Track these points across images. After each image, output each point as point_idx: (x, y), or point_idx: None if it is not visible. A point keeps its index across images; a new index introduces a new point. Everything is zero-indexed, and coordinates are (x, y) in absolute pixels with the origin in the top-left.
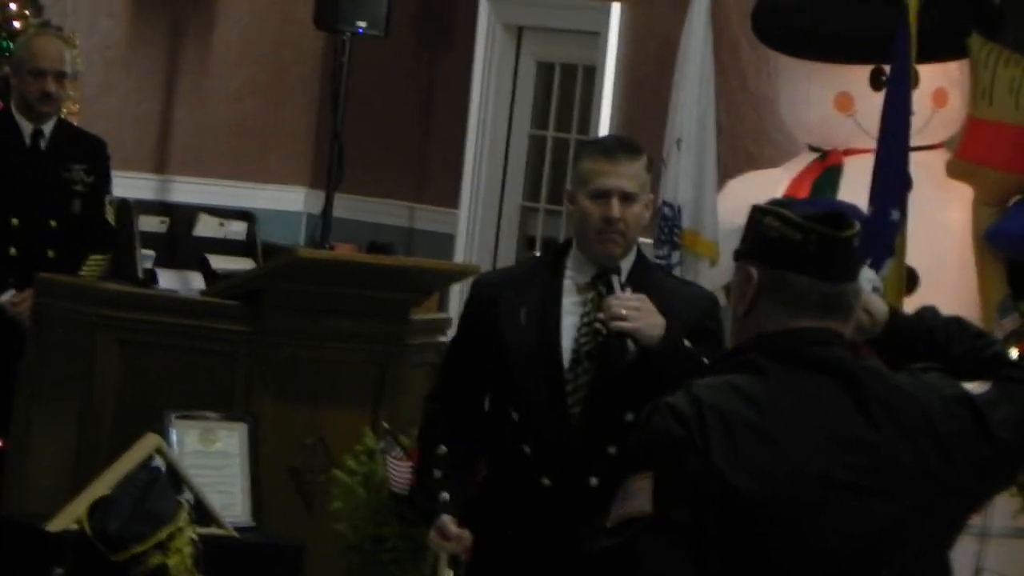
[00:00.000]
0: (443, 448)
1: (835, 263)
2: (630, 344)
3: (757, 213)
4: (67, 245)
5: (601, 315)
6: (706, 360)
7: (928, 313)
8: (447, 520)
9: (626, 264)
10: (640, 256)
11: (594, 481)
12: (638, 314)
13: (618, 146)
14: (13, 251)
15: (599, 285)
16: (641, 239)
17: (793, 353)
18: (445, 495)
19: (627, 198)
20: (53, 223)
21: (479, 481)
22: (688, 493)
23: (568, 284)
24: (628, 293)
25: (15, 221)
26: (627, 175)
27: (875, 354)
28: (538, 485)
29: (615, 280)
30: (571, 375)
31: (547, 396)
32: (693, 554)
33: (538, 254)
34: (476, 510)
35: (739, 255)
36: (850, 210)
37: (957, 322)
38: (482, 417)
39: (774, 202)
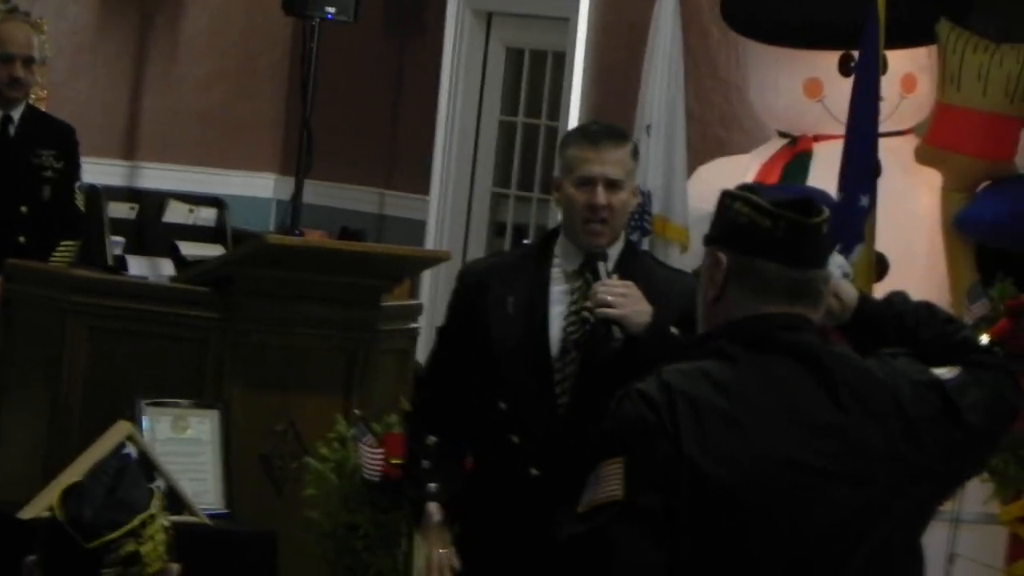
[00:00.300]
0: (432, 438)
1: (804, 249)
2: (616, 331)
3: (727, 198)
4: (38, 231)
5: (588, 303)
6: None
7: (898, 298)
8: (434, 510)
9: (614, 251)
10: (628, 243)
11: None
12: (624, 300)
13: (603, 133)
14: None
15: (586, 272)
16: None
17: (762, 339)
18: (432, 485)
19: (612, 185)
20: (24, 209)
21: (468, 471)
22: (658, 479)
23: (556, 272)
24: (615, 279)
25: None
26: (612, 161)
27: (844, 340)
28: (527, 475)
29: (601, 267)
30: (559, 364)
31: (535, 386)
32: (664, 540)
33: (527, 241)
34: (464, 501)
35: (708, 240)
36: (820, 196)
37: (927, 307)
38: (471, 407)
39: (743, 187)
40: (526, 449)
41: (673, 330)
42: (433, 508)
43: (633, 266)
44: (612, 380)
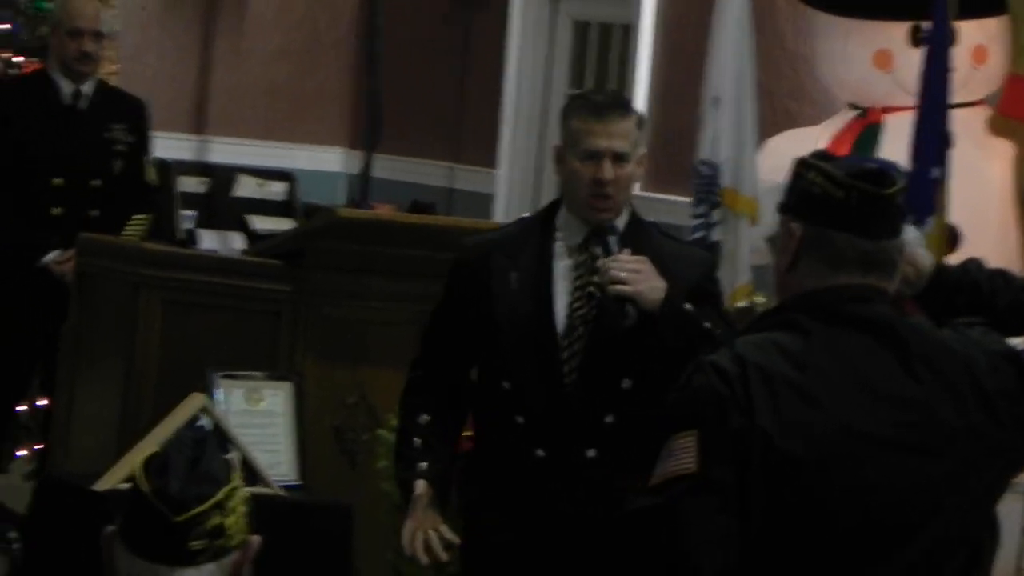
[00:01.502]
0: (425, 417)
1: (877, 220)
2: (630, 308)
3: (801, 167)
4: (110, 205)
5: (596, 278)
6: (707, 324)
7: (973, 266)
8: (423, 488)
9: (619, 223)
10: (634, 215)
11: (591, 452)
12: (638, 277)
13: (609, 104)
14: (57, 211)
15: (592, 247)
16: (679, 198)
17: (835, 311)
18: (423, 464)
19: (619, 158)
20: (96, 183)
21: (464, 450)
22: (731, 451)
23: (559, 247)
24: (626, 255)
25: (58, 181)
26: (619, 134)
27: (919, 310)
28: (532, 456)
29: (612, 241)
30: (565, 342)
31: (540, 364)
32: (737, 515)
33: (527, 215)
34: (467, 483)
35: (782, 209)
36: (890, 167)
37: (1002, 275)
38: (467, 386)
39: (817, 155)
40: (531, 430)
41: (687, 306)
42: (422, 487)
43: (640, 239)
44: (621, 358)
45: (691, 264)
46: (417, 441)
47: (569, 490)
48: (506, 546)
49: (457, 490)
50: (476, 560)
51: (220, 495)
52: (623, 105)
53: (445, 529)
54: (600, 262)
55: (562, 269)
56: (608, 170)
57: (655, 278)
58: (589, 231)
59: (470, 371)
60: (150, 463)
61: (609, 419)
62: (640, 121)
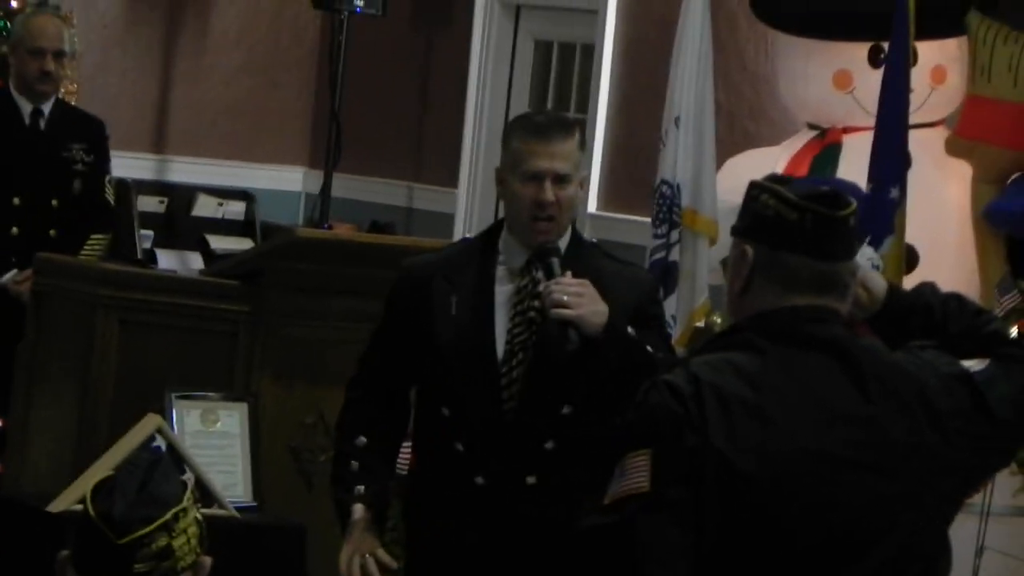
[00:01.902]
0: (362, 439)
1: (831, 242)
2: (572, 333)
3: (754, 190)
4: (68, 224)
5: (537, 303)
6: (650, 348)
7: (927, 290)
8: (361, 512)
9: (561, 244)
10: (576, 236)
11: (531, 479)
12: (581, 300)
13: (550, 124)
14: (15, 230)
15: (534, 269)
16: (640, 218)
17: (790, 331)
18: (360, 487)
19: (561, 179)
20: (54, 202)
21: (409, 473)
22: (685, 470)
23: (500, 270)
24: (569, 277)
25: (16, 200)
26: (561, 155)
27: (872, 333)
28: (472, 484)
29: (555, 264)
30: (505, 368)
31: (480, 390)
32: (691, 531)
33: (469, 235)
34: (409, 508)
35: (735, 232)
36: (849, 188)
37: (956, 299)
38: (405, 410)
39: (772, 178)
40: (471, 457)
41: (630, 330)
42: (359, 511)
43: (581, 260)
44: (562, 384)
45: (632, 285)
46: (354, 464)
47: (509, 518)
48: (451, 569)
49: (401, 510)
50: None
51: (167, 516)
52: (565, 125)
53: (382, 553)
54: (542, 286)
55: (503, 294)
56: (549, 192)
57: (597, 301)
58: (531, 254)
59: (409, 391)
60: (99, 487)
61: (549, 445)
62: (583, 141)
